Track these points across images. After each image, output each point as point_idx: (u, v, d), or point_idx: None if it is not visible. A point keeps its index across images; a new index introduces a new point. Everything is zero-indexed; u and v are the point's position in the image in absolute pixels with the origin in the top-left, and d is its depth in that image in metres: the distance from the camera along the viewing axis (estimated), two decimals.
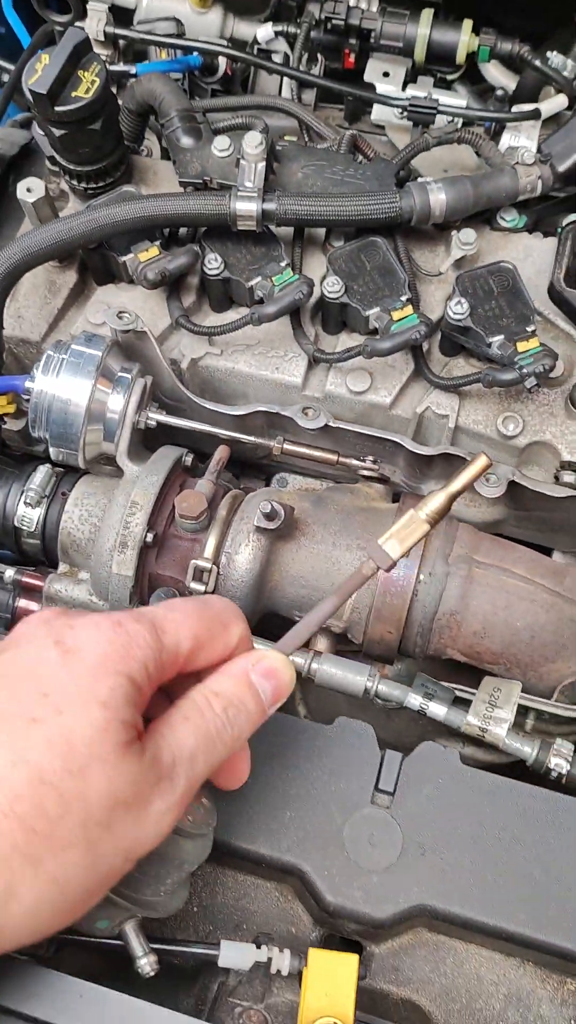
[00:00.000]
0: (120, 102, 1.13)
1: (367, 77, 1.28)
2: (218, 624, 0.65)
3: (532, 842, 0.75)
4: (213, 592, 0.95)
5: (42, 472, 1.04)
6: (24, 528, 1.03)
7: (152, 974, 0.63)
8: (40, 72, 0.95)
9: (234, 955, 0.67)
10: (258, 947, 0.67)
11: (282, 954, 0.67)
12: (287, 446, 1.04)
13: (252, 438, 1.04)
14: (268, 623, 1.02)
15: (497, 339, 1.00)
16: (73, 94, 0.97)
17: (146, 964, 0.63)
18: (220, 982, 0.70)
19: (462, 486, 0.67)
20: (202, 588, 0.94)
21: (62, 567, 1.02)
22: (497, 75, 1.32)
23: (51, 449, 1.01)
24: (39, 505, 1.03)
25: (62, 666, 0.58)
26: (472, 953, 0.76)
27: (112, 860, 0.57)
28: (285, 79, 1.34)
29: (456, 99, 1.25)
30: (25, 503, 1.02)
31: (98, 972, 0.67)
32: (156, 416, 1.01)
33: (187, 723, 0.60)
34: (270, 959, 0.66)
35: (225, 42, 1.31)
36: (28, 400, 0.99)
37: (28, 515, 1.03)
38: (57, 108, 0.97)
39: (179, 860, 0.63)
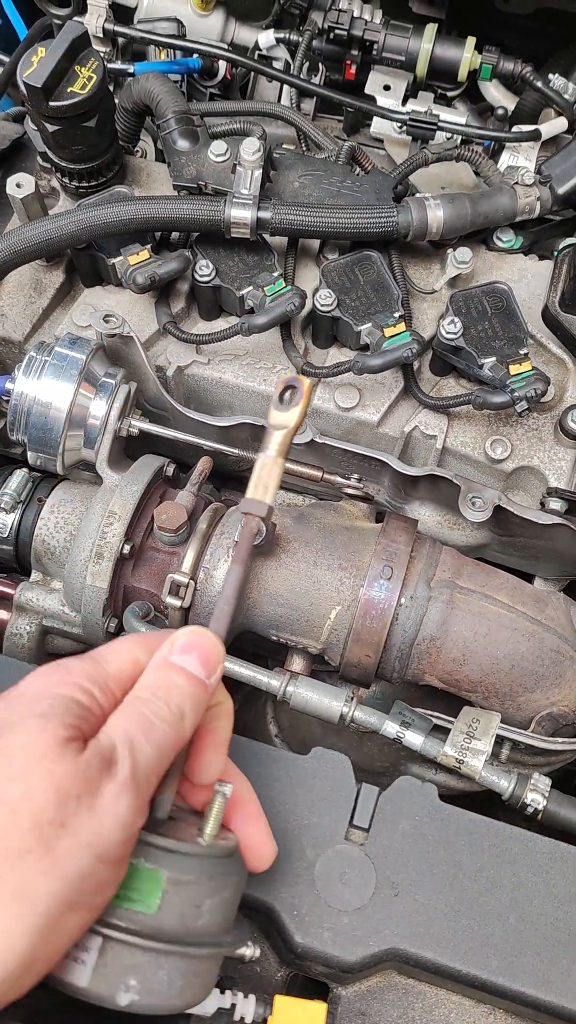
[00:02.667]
0: (116, 101, 1.10)
1: (368, 89, 1.26)
2: (155, 640, 0.66)
3: (509, 885, 0.72)
4: (189, 608, 0.92)
5: (18, 476, 1.02)
6: None
7: None
8: (36, 65, 0.93)
9: None
10: (222, 992, 0.64)
11: (247, 1000, 0.64)
12: None
13: (236, 450, 1.01)
14: (244, 641, 0.99)
15: (489, 360, 0.98)
16: (69, 89, 0.94)
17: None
18: None
19: (299, 419, 0.68)
20: (178, 603, 0.91)
21: (35, 575, 0.99)
22: (497, 95, 1.31)
23: (29, 454, 0.98)
24: (13, 511, 1.00)
25: (5, 707, 0.60)
26: (442, 999, 0.73)
27: (78, 859, 0.54)
28: (284, 87, 1.32)
29: (456, 116, 1.24)
30: None
31: None
32: (139, 424, 0.98)
33: (119, 714, 0.61)
34: (234, 1005, 0.63)
35: (226, 46, 1.29)
36: (7, 401, 0.96)
37: (2, 520, 1.00)
38: (52, 103, 0.94)
39: (222, 883, 0.61)
